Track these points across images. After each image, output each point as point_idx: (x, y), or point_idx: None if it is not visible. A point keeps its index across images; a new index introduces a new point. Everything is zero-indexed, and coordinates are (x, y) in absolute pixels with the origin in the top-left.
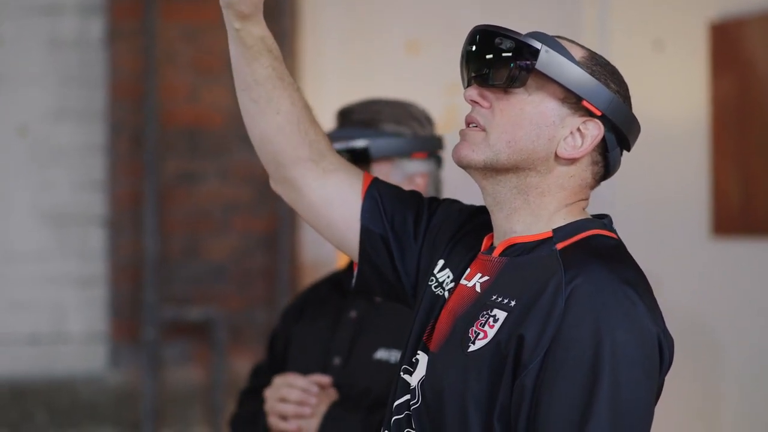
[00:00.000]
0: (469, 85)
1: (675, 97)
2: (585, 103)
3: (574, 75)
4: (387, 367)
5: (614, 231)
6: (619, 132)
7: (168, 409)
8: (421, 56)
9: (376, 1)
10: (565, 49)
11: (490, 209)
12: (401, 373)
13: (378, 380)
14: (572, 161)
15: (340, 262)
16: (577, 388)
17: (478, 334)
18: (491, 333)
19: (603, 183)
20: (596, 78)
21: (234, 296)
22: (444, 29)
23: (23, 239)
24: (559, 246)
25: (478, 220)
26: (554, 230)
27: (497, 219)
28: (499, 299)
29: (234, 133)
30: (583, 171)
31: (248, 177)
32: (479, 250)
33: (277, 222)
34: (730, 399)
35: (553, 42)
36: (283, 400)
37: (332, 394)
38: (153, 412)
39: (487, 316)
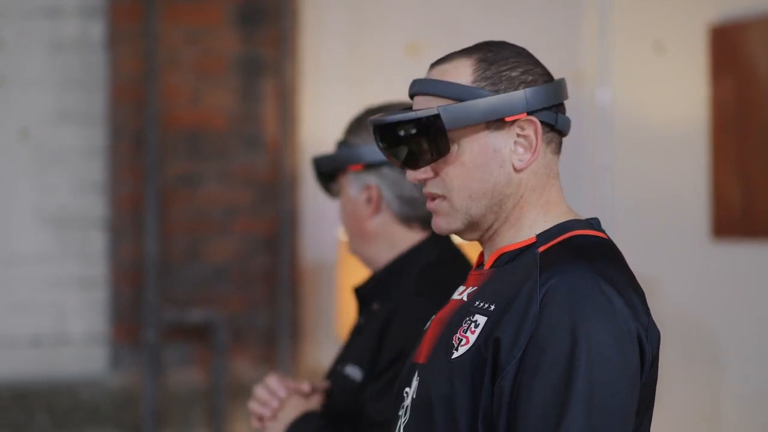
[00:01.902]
0: (403, 168)
1: (675, 99)
2: (506, 118)
3: (480, 107)
4: (349, 383)
5: (602, 231)
6: (551, 106)
7: (169, 411)
8: (422, 58)
9: (376, 3)
10: (455, 83)
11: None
12: (402, 409)
13: (341, 394)
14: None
15: (342, 264)
16: (553, 388)
17: (461, 340)
18: (473, 338)
19: (604, 185)
20: (498, 88)
21: (235, 298)
22: (444, 31)
23: (24, 242)
24: (541, 249)
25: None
26: (538, 235)
27: (484, 238)
28: (481, 304)
29: (235, 135)
30: (543, 159)
31: (249, 179)
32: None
33: (278, 224)
34: (730, 399)
35: (441, 86)
36: (255, 398)
37: (313, 403)
38: (154, 415)
39: (469, 321)
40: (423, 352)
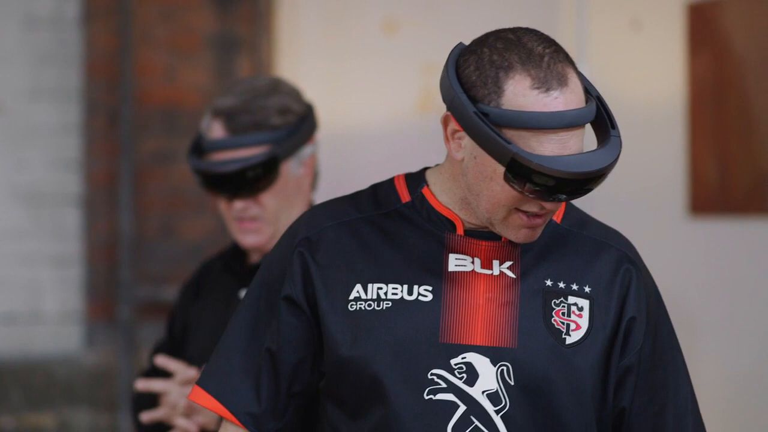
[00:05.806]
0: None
1: (652, 77)
2: None
3: None
4: None
5: None
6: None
7: None
8: (398, 36)
9: None
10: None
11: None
12: (432, 395)
13: None
14: None
15: None
16: (678, 352)
17: (569, 325)
18: (584, 323)
19: None
20: None
21: None
22: (421, 9)
23: None
24: (557, 220)
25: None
26: None
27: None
28: (564, 286)
29: None
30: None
31: None
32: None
33: None
34: (707, 376)
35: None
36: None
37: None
38: (128, 392)
39: (565, 305)
40: (478, 334)
